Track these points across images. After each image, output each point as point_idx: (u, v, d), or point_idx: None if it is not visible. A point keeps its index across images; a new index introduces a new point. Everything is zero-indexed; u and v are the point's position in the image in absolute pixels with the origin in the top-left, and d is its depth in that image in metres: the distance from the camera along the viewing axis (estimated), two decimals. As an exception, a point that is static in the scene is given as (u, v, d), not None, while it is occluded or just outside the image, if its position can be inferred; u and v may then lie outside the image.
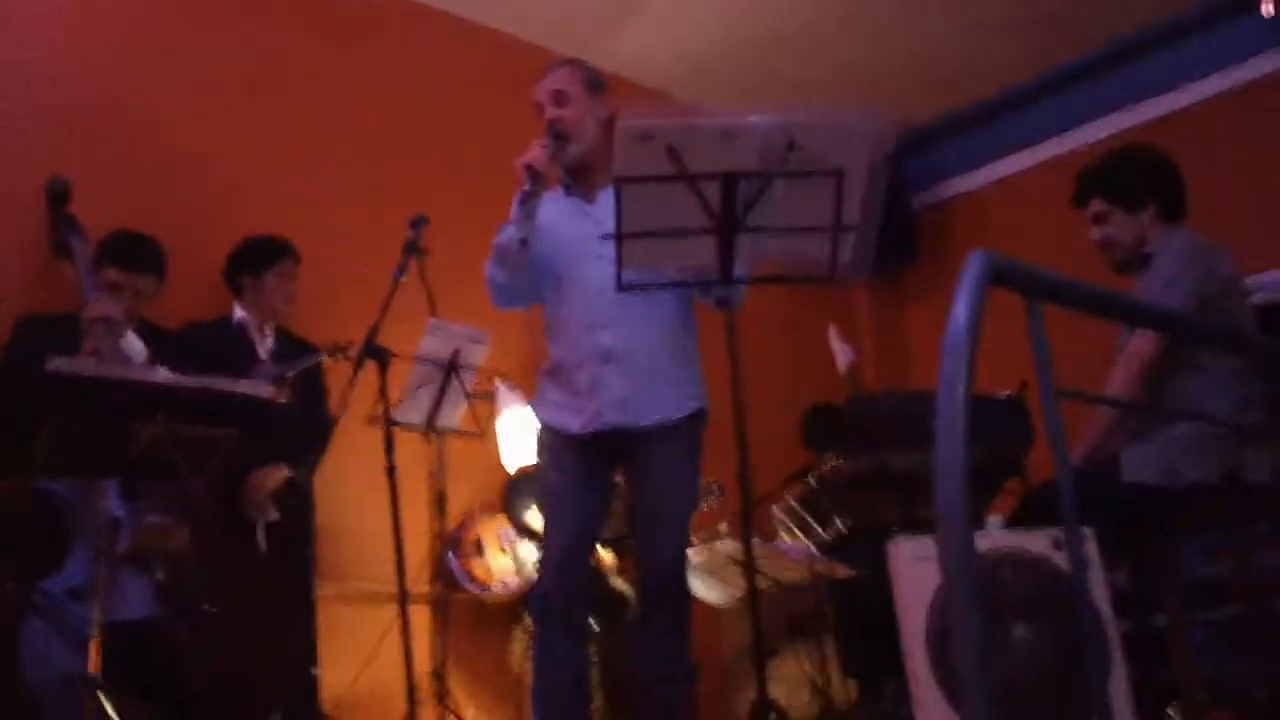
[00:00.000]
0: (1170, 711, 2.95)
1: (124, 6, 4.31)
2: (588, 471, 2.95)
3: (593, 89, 3.03)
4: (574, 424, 2.93)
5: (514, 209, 2.87)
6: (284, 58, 4.67)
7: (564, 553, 2.91)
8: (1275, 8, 5.11)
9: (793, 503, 4.72)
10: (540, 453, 3.04)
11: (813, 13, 5.40)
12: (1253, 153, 5.27)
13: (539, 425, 3.05)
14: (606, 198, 2.92)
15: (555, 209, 2.99)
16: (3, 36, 3.95)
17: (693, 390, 2.98)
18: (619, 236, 2.45)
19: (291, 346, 3.99)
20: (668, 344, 2.97)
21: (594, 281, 2.88)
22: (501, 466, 4.63)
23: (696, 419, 2.98)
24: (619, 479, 3.16)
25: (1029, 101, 6.22)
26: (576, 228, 2.98)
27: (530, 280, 2.96)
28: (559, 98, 2.98)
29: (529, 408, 4.43)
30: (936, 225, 6.61)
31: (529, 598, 2.99)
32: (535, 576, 3.18)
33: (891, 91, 6.03)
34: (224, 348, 3.81)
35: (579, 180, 3.04)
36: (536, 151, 2.83)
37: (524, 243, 2.85)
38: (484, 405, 3.97)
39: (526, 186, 2.80)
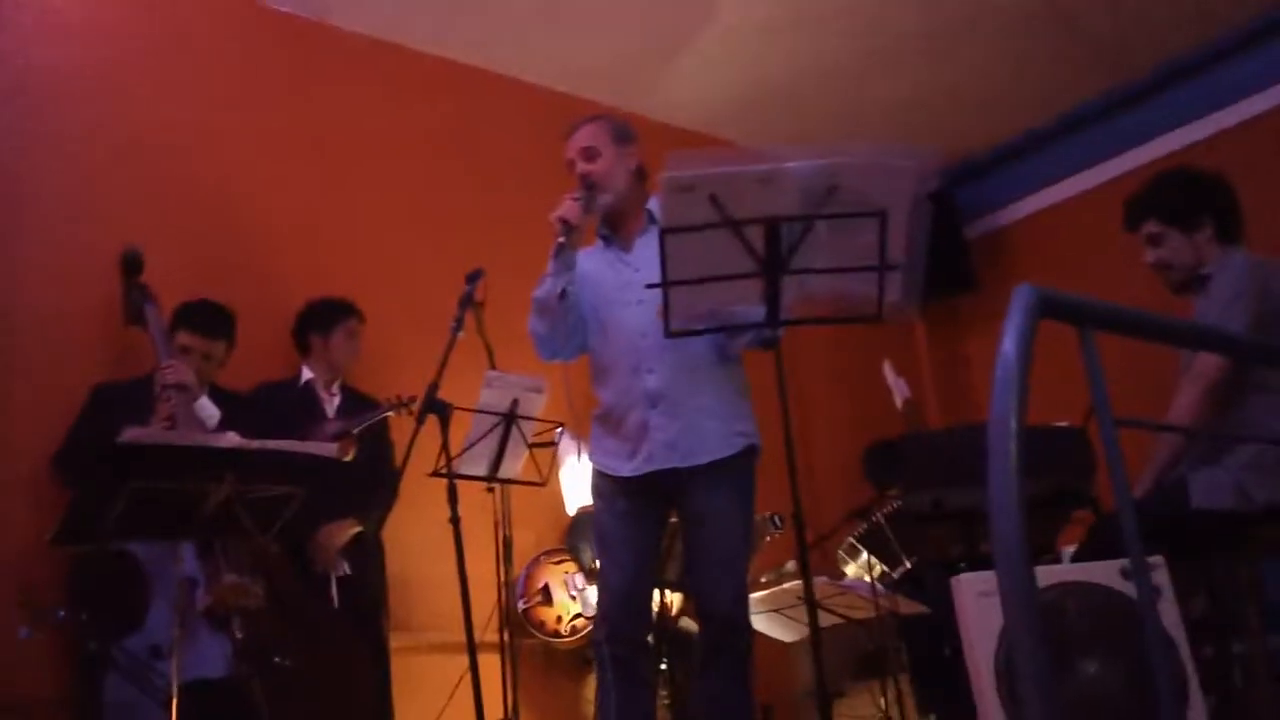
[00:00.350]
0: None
1: (197, 80, 4.49)
2: (641, 514, 2.97)
3: (620, 140, 3.10)
4: (625, 467, 2.96)
5: (551, 261, 2.95)
6: (344, 123, 4.83)
7: (622, 597, 2.93)
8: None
9: (853, 540, 4.69)
10: (594, 498, 3.08)
11: (854, 48, 5.43)
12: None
13: (592, 470, 3.09)
14: (642, 244, 3.02)
15: (595, 260, 3.07)
16: (80, 108, 4.13)
17: (742, 426, 2.98)
18: (665, 284, 2.49)
19: (357, 403, 4.08)
20: (713, 382, 2.98)
21: (636, 326, 2.94)
22: (565, 514, 4.68)
23: (749, 455, 2.98)
24: (674, 519, 3.18)
25: (1078, 127, 6.20)
26: (616, 275, 3.04)
27: (570, 330, 3.02)
28: (588, 154, 3.05)
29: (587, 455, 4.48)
30: (991, 255, 6.58)
31: (594, 640, 3.00)
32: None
33: (940, 123, 6.05)
34: (293, 407, 3.92)
35: (614, 230, 3.10)
36: (569, 205, 2.92)
37: (563, 294, 2.92)
38: (545, 454, 4.01)
39: (561, 239, 2.89)
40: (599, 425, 3.08)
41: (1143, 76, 5.82)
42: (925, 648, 4.30)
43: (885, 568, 4.38)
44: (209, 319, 3.68)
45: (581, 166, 3.04)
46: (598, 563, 3.09)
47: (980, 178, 6.70)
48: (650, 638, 3.17)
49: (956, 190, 6.65)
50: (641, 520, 2.98)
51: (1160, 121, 5.77)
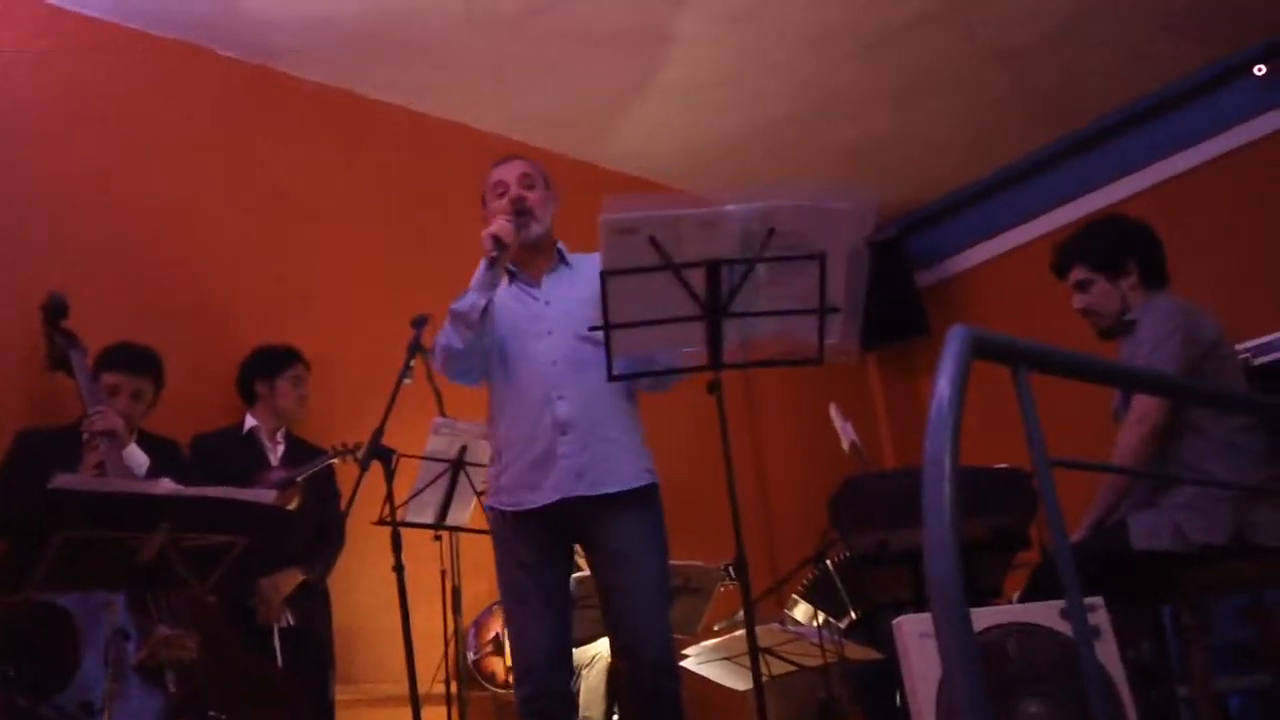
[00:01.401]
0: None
1: (136, 125, 4.45)
2: (547, 562, 2.90)
3: (548, 184, 3.16)
4: (530, 499, 2.89)
5: (477, 276, 2.93)
6: (290, 168, 4.81)
7: (545, 651, 2.85)
8: (1266, 66, 5.22)
9: (803, 587, 4.68)
10: (497, 549, 2.98)
11: (802, 99, 5.51)
12: (1250, 212, 5.32)
13: (493, 515, 3.00)
14: (551, 281, 3.06)
15: (502, 295, 3.03)
16: (4, 149, 4.07)
17: (647, 463, 2.97)
18: (606, 327, 2.49)
19: (303, 451, 4.04)
20: (620, 415, 2.97)
21: (546, 354, 2.94)
22: (516, 562, 4.62)
23: (655, 491, 2.96)
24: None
25: (1026, 177, 6.31)
26: (524, 309, 3.03)
27: (485, 351, 2.98)
28: (526, 180, 3.09)
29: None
30: (943, 301, 6.68)
31: (518, 698, 2.89)
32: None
33: (890, 172, 6.14)
34: (235, 456, 3.87)
35: (522, 266, 3.10)
36: (502, 224, 2.93)
37: (486, 310, 2.90)
38: (494, 501, 3.98)
39: (493, 253, 2.89)
40: (497, 464, 3.01)
41: (1087, 127, 5.94)
42: (877, 694, 4.28)
43: (831, 618, 4.36)
44: (135, 357, 3.63)
45: (518, 191, 3.05)
46: (507, 618, 2.99)
47: (931, 226, 6.80)
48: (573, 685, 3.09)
49: (908, 238, 6.75)
50: (548, 567, 2.91)
51: (1105, 171, 5.88)
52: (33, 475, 2.73)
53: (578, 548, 3.09)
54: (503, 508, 2.95)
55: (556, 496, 2.86)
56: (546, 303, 3.01)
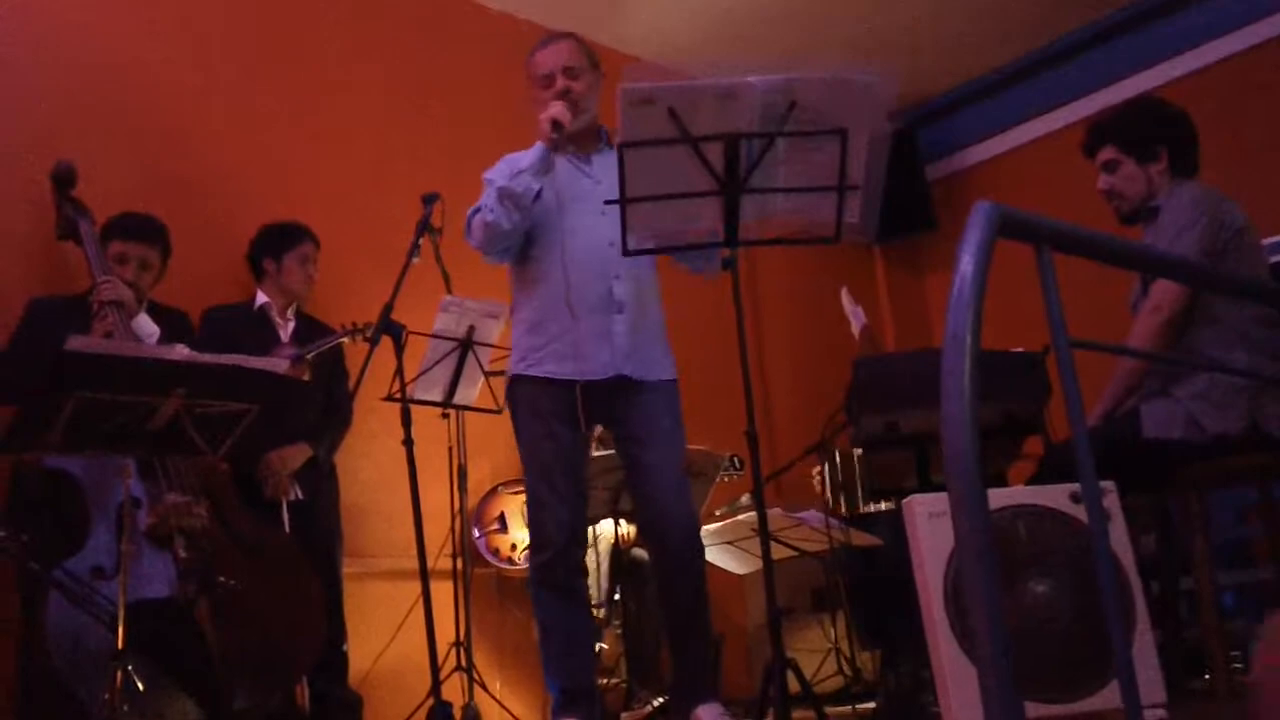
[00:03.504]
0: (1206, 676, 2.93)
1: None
2: (576, 433, 2.99)
3: (595, 66, 3.12)
4: (579, 369, 2.93)
5: (533, 158, 2.92)
6: (301, 46, 4.70)
7: (568, 526, 2.94)
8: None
9: (815, 471, 4.71)
10: (526, 417, 3.03)
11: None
12: (1274, 109, 5.20)
13: (527, 385, 3.02)
14: (601, 160, 3.04)
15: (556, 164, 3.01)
16: (12, 22, 3.98)
17: (671, 357, 3.10)
18: (623, 201, 2.45)
19: (312, 329, 4.01)
20: (657, 306, 3.10)
21: (602, 234, 2.93)
22: (521, 442, 4.64)
23: (677, 386, 3.08)
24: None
25: (1041, 69, 6.16)
26: (576, 184, 3.03)
27: (524, 231, 3.00)
28: (570, 71, 3.04)
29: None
30: (952, 195, 6.57)
31: (534, 569, 2.99)
32: (529, 553, 3.16)
33: (902, 62, 5.99)
34: (246, 331, 3.85)
35: (575, 144, 3.07)
36: (561, 109, 2.90)
37: (539, 194, 2.91)
38: (502, 381, 3.97)
39: (554, 136, 2.87)
40: (535, 334, 3.03)
41: (1111, 14, 5.77)
42: (870, 580, 4.35)
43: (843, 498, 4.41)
44: (141, 225, 3.58)
45: (564, 82, 3.02)
46: (530, 492, 3.02)
47: (942, 118, 6.67)
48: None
49: (918, 130, 6.62)
50: (577, 445, 3.00)
51: (1128, 62, 5.73)
52: (44, 342, 2.71)
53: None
54: (546, 375, 2.98)
55: (610, 373, 2.94)
56: (598, 182, 3.00)
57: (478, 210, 2.99)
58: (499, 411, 4.00)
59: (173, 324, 3.51)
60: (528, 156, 2.94)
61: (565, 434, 2.96)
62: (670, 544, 2.94)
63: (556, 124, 2.86)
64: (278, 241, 4.06)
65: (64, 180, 3.38)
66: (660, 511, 2.94)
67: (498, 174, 3.01)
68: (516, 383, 3.07)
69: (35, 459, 3.00)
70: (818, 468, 4.77)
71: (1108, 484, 2.42)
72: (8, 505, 3.28)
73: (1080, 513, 2.46)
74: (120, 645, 2.50)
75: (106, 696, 2.48)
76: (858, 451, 4.60)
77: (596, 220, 2.94)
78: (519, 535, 4.38)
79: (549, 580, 2.95)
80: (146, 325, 3.34)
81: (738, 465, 4.50)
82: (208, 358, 2.62)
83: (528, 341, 3.06)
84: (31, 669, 2.85)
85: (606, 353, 2.93)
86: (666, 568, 2.97)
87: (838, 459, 4.72)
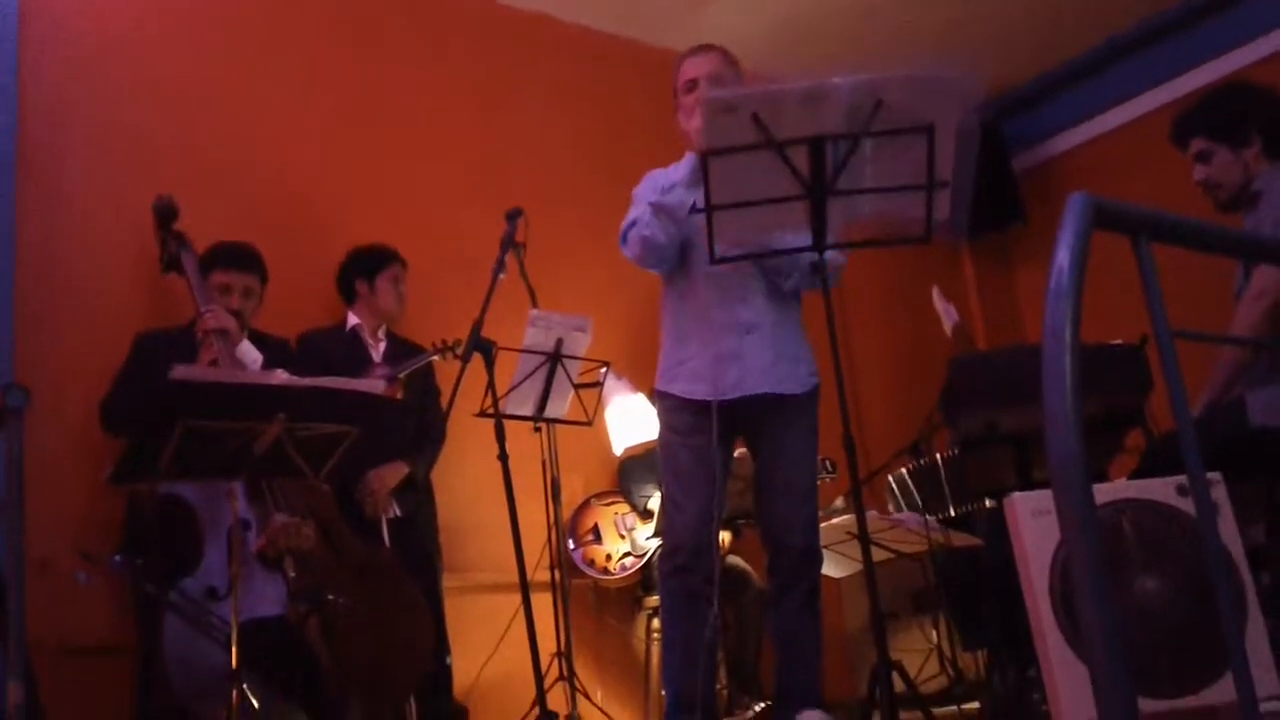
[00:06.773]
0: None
1: (229, 32, 4.46)
2: (715, 449, 2.96)
3: (740, 79, 3.11)
4: (710, 391, 2.95)
5: (684, 170, 2.98)
6: (380, 68, 4.80)
7: (697, 532, 2.96)
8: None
9: (904, 474, 4.65)
10: (666, 430, 3.09)
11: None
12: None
13: (668, 400, 3.09)
14: None
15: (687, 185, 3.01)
16: (116, 59, 4.13)
17: (813, 366, 3.09)
18: (709, 209, 2.45)
19: (403, 349, 4.09)
20: (794, 319, 3.10)
21: None
22: (612, 455, 4.67)
23: (816, 395, 3.08)
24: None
25: (1125, 54, 6.03)
26: None
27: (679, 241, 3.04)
28: (717, 80, 3.00)
29: (640, 394, 4.47)
30: (1040, 186, 6.44)
31: (664, 572, 3.02)
32: (659, 555, 3.20)
33: (984, 54, 5.90)
34: (340, 353, 3.94)
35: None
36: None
37: (693, 208, 2.86)
38: (591, 394, 4.00)
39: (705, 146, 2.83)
40: (680, 351, 3.09)
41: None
42: (971, 582, 4.27)
43: (932, 501, 4.34)
44: (241, 254, 3.69)
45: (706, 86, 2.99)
46: (667, 495, 3.09)
47: (1027, 109, 6.55)
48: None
49: (1003, 122, 6.52)
50: (716, 455, 2.98)
51: (1213, 45, 5.58)
52: (152, 375, 2.80)
53: None
54: (685, 395, 3.04)
55: (738, 394, 2.96)
56: None
57: (633, 224, 3.04)
58: (589, 424, 4.06)
59: (274, 350, 3.60)
60: (679, 169, 3.00)
61: (703, 446, 2.97)
62: (789, 553, 2.98)
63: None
64: (369, 263, 4.15)
65: (166, 214, 3.49)
66: (781, 523, 2.99)
67: (644, 190, 3.08)
68: (659, 394, 3.15)
69: (149, 486, 3.10)
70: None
71: (1215, 475, 2.36)
72: (125, 532, 3.39)
73: (1187, 505, 2.40)
74: (235, 664, 2.57)
75: (223, 715, 2.55)
76: (939, 456, 4.54)
77: None
78: (613, 546, 4.41)
79: (678, 585, 2.98)
80: (250, 352, 3.44)
81: (830, 468, 4.47)
82: (306, 381, 2.68)
83: (671, 355, 3.13)
84: (150, 690, 2.93)
85: (735, 373, 2.97)
86: (784, 574, 2.99)
87: (921, 462, 4.66)
